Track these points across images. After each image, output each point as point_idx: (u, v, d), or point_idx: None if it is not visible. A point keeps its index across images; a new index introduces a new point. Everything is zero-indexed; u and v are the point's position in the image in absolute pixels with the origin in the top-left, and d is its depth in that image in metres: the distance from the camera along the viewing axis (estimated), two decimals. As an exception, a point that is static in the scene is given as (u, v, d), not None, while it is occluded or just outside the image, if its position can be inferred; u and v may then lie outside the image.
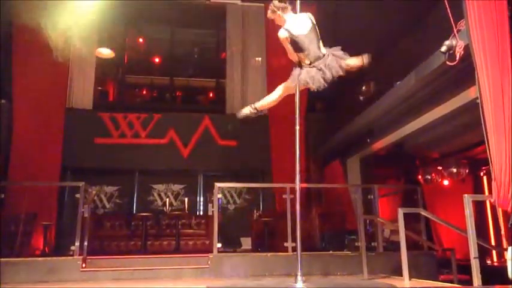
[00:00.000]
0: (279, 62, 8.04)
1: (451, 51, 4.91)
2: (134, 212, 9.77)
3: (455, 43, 4.83)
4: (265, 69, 10.18)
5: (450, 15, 4.65)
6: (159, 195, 10.18)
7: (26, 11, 8.35)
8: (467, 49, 4.43)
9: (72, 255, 5.92)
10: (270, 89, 9.74)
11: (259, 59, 10.69)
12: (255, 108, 4.53)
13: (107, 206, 9.88)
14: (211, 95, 12.79)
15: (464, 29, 4.52)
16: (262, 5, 10.37)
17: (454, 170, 9.53)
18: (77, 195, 6.26)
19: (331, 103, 10.79)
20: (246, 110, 4.54)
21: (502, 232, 8.73)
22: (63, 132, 9.20)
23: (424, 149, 9.45)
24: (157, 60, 12.94)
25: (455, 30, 4.75)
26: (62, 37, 9.07)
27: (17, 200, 7.67)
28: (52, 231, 8.12)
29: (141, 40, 12.40)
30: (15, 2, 8.36)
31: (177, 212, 9.16)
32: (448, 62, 4.97)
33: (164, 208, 9.66)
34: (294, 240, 5.92)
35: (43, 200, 8.26)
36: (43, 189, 8.44)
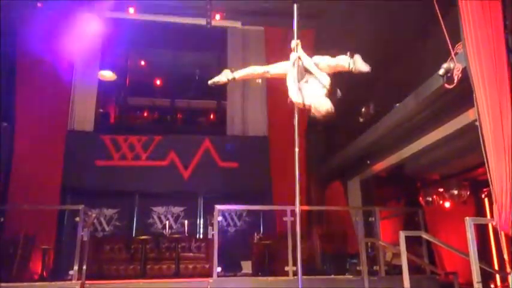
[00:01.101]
0: (279, 84, 8.08)
1: (449, 74, 4.95)
2: (134, 235, 9.65)
3: (453, 66, 4.88)
4: (266, 90, 10.24)
5: (448, 38, 4.71)
6: (159, 217, 10.09)
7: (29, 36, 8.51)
8: (465, 72, 4.46)
9: (70, 280, 5.85)
10: (271, 110, 9.96)
11: (260, 80, 10.72)
12: (234, 79, 4.45)
13: (106, 228, 9.78)
14: (212, 116, 12.83)
15: (462, 51, 4.56)
16: (262, 28, 10.53)
17: (456, 192, 9.45)
18: (77, 219, 6.23)
19: (331, 124, 10.80)
20: (223, 78, 4.42)
21: (505, 256, 8.63)
22: (63, 154, 9.19)
23: (425, 171, 9.42)
24: (158, 82, 13.05)
25: (453, 53, 4.80)
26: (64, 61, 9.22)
27: (16, 223, 7.64)
28: (50, 255, 8.03)
29: (142, 63, 12.52)
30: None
31: (176, 235, 9.04)
32: (446, 85, 5.01)
33: (164, 231, 9.54)
34: (294, 263, 5.84)
35: (42, 223, 8.20)
36: (42, 211, 8.39)
